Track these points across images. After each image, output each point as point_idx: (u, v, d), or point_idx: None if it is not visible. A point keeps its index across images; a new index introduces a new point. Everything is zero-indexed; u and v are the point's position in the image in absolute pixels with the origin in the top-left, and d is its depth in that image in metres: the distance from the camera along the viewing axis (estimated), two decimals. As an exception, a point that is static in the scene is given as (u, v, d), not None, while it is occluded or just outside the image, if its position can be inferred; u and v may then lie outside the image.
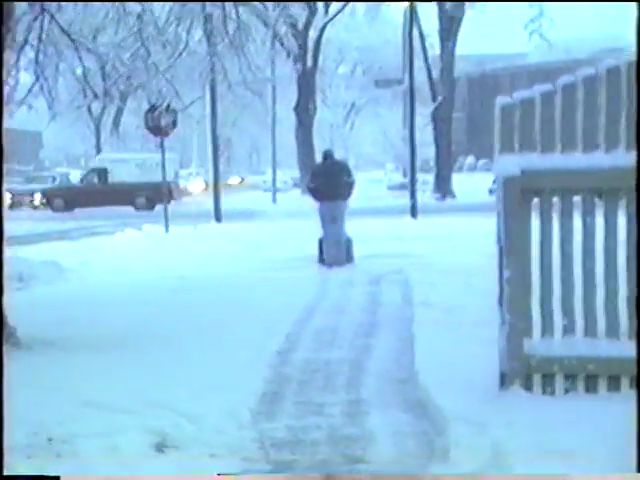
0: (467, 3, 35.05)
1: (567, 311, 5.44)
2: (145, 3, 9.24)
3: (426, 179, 38.35)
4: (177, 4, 10.06)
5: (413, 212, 23.28)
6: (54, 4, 8.84)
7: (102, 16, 9.94)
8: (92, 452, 4.95)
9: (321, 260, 13.89)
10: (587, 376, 5.39)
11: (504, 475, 3.63)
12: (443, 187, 35.86)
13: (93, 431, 5.19)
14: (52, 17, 8.60)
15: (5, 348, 7.26)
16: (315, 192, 13.89)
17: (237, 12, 11.95)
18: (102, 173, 35.87)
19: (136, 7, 9.27)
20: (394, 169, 59.12)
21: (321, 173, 14.01)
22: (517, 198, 5.39)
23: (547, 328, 5.47)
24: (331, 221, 13.77)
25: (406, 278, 11.99)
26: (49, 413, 5.47)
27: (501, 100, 5.54)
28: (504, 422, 5.00)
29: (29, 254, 14.40)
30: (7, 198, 33.40)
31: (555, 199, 5.48)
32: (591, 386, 5.40)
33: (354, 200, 14.72)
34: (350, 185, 13.96)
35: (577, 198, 5.46)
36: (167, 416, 5.50)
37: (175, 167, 39.01)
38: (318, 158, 39.49)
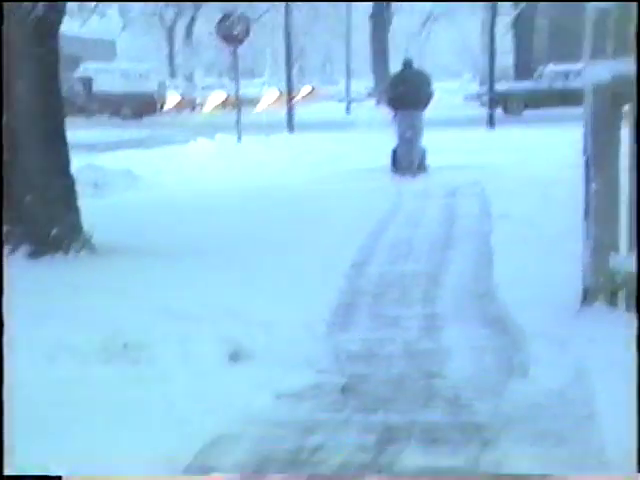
0: None
1: (655, 226, 5.19)
2: None
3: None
4: None
5: (490, 122, 22.76)
6: None
7: None
8: (167, 359, 4.94)
9: (394, 169, 13.85)
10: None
11: (505, 475, 3.54)
12: (521, 97, 34.88)
13: (168, 338, 5.17)
14: None
15: (82, 254, 7.33)
16: (393, 101, 13.78)
17: None
18: (87, 82, 35.28)
19: None
20: (471, 79, 57.95)
21: (400, 82, 13.82)
22: (607, 106, 5.11)
23: (634, 243, 5.24)
24: (407, 131, 13.68)
25: (483, 189, 11.73)
26: (124, 319, 5.47)
27: (595, 3, 5.20)
28: (586, 339, 4.83)
29: (104, 162, 14.46)
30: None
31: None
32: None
33: (430, 110, 14.41)
34: (429, 95, 13.86)
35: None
36: (242, 325, 5.45)
37: (160, 77, 38.55)
38: (393, 67, 38.96)
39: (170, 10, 47.35)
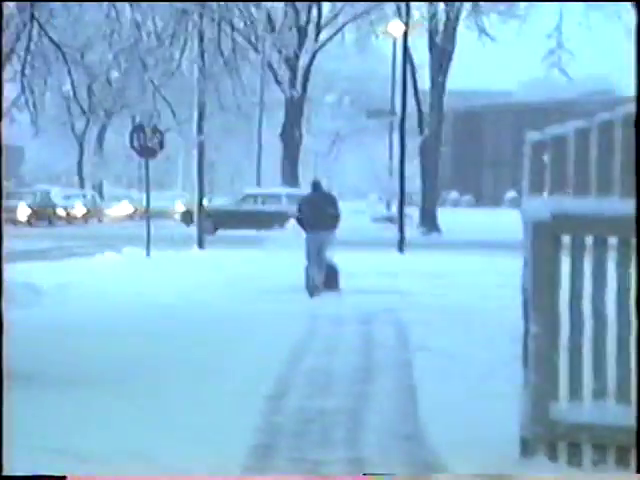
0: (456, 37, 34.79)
1: (599, 374, 4.92)
2: (139, 16, 8.72)
3: (410, 213, 37.88)
4: (172, 21, 9.56)
5: (400, 246, 22.77)
6: (44, 13, 8.30)
7: (95, 29, 9.42)
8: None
9: (307, 288, 14.02)
10: (618, 447, 4.85)
11: (505, 475, 3.17)
12: (429, 221, 35.46)
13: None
14: (41, 27, 8.06)
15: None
16: (302, 222, 14.29)
17: (232, 32, 11.51)
18: None
19: (131, 20, 8.75)
20: (377, 200, 58.76)
21: (308, 203, 14.39)
22: (548, 243, 4.88)
23: (576, 391, 4.95)
24: (316, 250, 14.08)
25: (398, 318, 11.47)
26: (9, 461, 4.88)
27: (532, 136, 5.04)
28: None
29: (4, 274, 13.73)
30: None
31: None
32: (623, 458, 4.87)
33: (338, 231, 14.66)
34: (336, 217, 14.31)
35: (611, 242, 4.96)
36: (149, 470, 4.92)
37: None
38: (303, 185, 39.19)
39: (81, 119, 47.03)
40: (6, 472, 2.78)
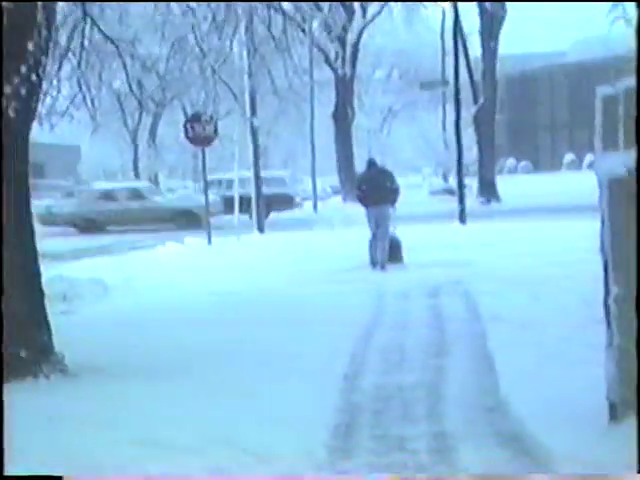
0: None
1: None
2: (192, 3, 8.70)
3: (468, 183, 37.54)
4: (223, 5, 9.52)
5: (462, 217, 22.55)
6: (95, 9, 8.32)
7: (145, 20, 9.42)
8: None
9: (372, 262, 14.36)
10: None
11: (508, 475, 3.08)
12: (487, 191, 35.06)
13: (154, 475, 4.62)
14: (94, 22, 8.08)
15: (53, 378, 6.76)
16: (362, 198, 14.63)
17: (283, 13, 11.44)
18: None
19: (185, 9, 8.73)
20: (432, 173, 58.36)
21: (366, 180, 14.74)
22: (624, 201, 4.75)
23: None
24: (378, 225, 14.44)
25: (466, 290, 11.34)
26: (99, 452, 4.92)
27: (602, 90, 4.89)
28: (623, 465, 4.34)
29: (72, 271, 13.91)
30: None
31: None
32: None
33: (398, 206, 14.84)
34: (395, 191, 14.62)
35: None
36: (234, 456, 4.91)
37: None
38: (357, 165, 39.04)
39: (133, 114, 47.44)
40: (6, 472, 2.77)
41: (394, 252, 14.48)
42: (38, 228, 7.66)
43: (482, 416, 5.74)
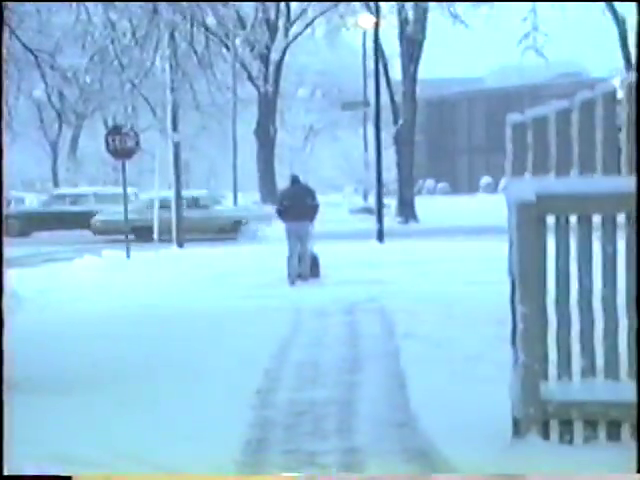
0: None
1: (586, 351, 4.96)
2: (113, 15, 8.67)
3: (387, 203, 37.95)
4: (145, 19, 9.50)
5: (380, 236, 22.79)
6: (14, 18, 8.24)
7: (65, 31, 9.35)
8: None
9: (289, 276, 14.73)
10: (609, 423, 4.90)
11: (507, 475, 3.19)
12: (406, 211, 35.50)
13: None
14: (12, 32, 8.00)
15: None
16: (282, 213, 15.10)
17: (205, 30, 11.46)
18: None
19: (105, 20, 8.70)
20: (353, 192, 58.78)
21: (288, 196, 15.23)
22: (533, 224, 4.91)
23: (565, 370, 4.99)
24: (297, 240, 14.91)
25: (382, 307, 11.49)
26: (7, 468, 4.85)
27: (512, 118, 5.07)
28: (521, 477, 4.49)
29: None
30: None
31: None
32: (613, 433, 4.92)
33: (318, 224, 15.45)
34: (314, 208, 15.16)
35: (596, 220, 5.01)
36: (141, 469, 4.91)
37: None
38: (278, 181, 39.16)
39: (54, 125, 46.84)
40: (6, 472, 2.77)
41: (312, 268, 14.97)
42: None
43: (392, 432, 5.84)
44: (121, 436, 5.57)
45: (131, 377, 7.36)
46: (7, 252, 20.82)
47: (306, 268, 14.81)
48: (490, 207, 34.13)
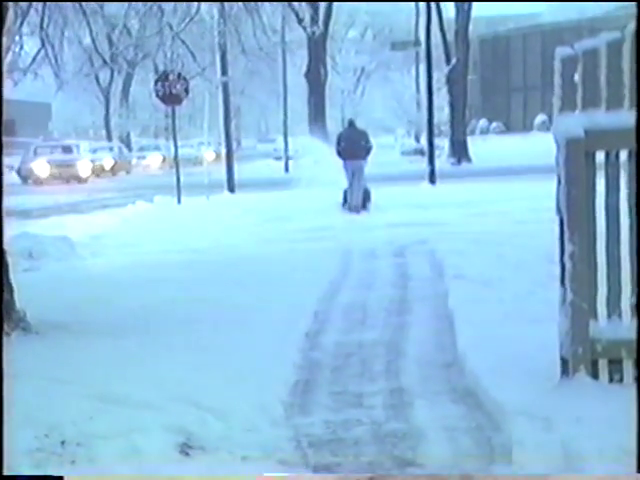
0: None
1: (636, 288, 4.85)
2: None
3: (439, 144, 37.57)
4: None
5: (432, 178, 22.61)
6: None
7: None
8: (110, 455, 4.42)
9: (344, 205, 16.97)
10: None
11: (509, 475, 3.14)
12: (459, 151, 35.17)
13: (110, 431, 4.63)
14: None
15: (14, 334, 6.74)
16: (340, 153, 17.37)
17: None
18: None
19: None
20: (404, 134, 58.32)
21: (345, 138, 17.45)
22: (581, 161, 4.78)
23: (614, 309, 4.89)
24: (352, 175, 17.10)
25: (432, 249, 11.40)
26: (61, 410, 4.92)
27: (562, 51, 4.90)
28: (572, 417, 4.42)
29: (38, 229, 13.85)
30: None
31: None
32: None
33: (368, 167, 17.43)
34: (368, 149, 17.48)
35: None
36: (194, 413, 4.93)
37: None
38: (329, 125, 38.95)
39: (105, 72, 46.93)
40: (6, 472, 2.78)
41: (364, 201, 16.92)
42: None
43: (439, 372, 5.81)
44: (171, 378, 5.60)
45: (181, 321, 7.39)
46: (62, 199, 21.19)
47: (358, 200, 16.77)
48: (544, 146, 33.60)
